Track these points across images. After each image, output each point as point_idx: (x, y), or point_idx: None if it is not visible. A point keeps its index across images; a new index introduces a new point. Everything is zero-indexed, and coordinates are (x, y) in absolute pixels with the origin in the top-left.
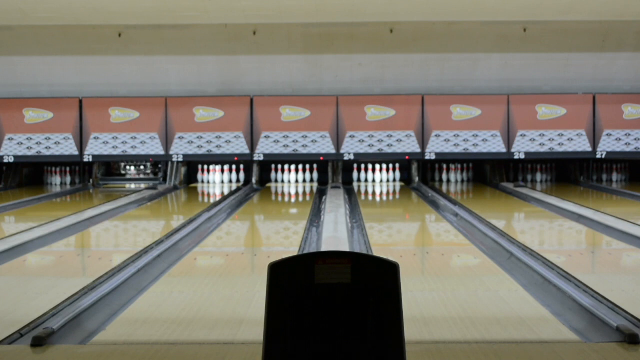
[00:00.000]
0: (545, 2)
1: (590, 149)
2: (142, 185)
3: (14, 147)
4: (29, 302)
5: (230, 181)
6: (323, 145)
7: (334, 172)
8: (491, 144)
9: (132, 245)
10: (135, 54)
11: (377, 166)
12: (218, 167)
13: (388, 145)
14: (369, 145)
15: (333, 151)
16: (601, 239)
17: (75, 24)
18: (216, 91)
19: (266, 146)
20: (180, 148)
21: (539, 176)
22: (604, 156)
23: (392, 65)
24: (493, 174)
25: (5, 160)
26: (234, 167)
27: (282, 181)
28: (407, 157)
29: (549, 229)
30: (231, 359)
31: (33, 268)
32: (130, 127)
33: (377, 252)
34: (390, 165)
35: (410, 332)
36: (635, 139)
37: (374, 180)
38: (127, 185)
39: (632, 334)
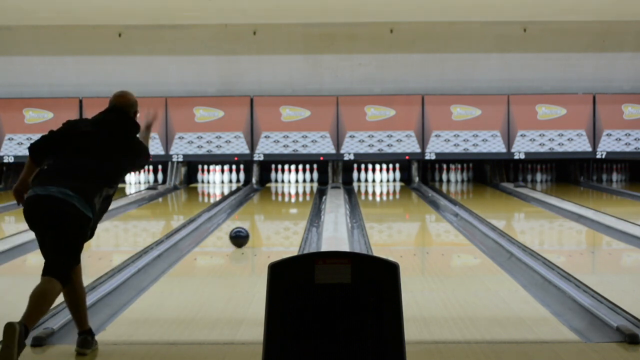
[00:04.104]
0: (545, 2)
1: (590, 149)
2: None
3: (14, 147)
4: None
5: (230, 181)
6: (323, 145)
7: (334, 172)
8: (491, 144)
9: (132, 245)
10: (135, 54)
11: (377, 166)
12: (218, 167)
13: (388, 145)
14: (369, 145)
15: (333, 151)
16: (601, 239)
17: (75, 24)
18: (216, 91)
19: (266, 146)
20: (180, 148)
21: (539, 176)
22: (604, 156)
23: (392, 65)
24: (493, 174)
25: (5, 160)
26: (234, 167)
27: (282, 181)
28: (407, 157)
29: (549, 229)
30: (231, 359)
31: (33, 268)
32: None
33: (377, 252)
34: (390, 165)
35: (410, 332)
36: (635, 139)
37: (374, 180)
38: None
39: (632, 334)
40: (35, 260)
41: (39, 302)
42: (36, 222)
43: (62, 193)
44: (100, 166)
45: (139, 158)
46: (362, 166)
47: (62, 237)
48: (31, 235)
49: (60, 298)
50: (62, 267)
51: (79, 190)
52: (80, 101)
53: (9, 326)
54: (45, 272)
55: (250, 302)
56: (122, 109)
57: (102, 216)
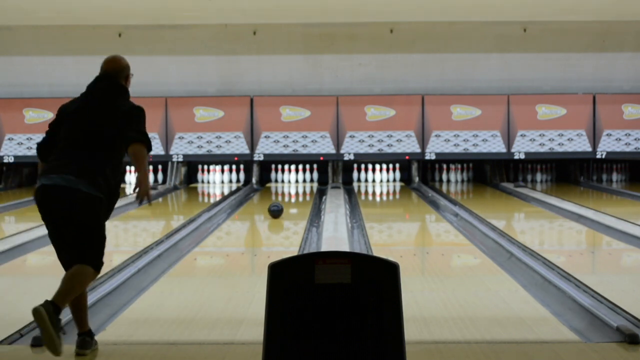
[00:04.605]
0: (545, 2)
1: (590, 149)
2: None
3: (14, 147)
4: (29, 302)
5: (230, 181)
6: (323, 145)
7: (334, 172)
8: (491, 144)
9: (132, 245)
10: (136, 54)
11: (377, 166)
12: (218, 167)
13: (388, 145)
14: (369, 145)
15: (333, 151)
16: (601, 239)
17: (75, 24)
18: (216, 91)
19: (266, 146)
20: (180, 148)
21: (539, 176)
22: (604, 156)
23: (392, 65)
24: (493, 174)
25: (5, 160)
26: (234, 167)
27: (282, 181)
28: (407, 157)
29: (549, 229)
30: (231, 359)
31: (33, 268)
32: None
33: (377, 252)
34: (390, 165)
35: (410, 332)
36: (635, 139)
37: (374, 180)
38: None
39: (632, 334)
40: (35, 260)
41: (69, 282)
42: (46, 213)
43: (65, 180)
44: (94, 139)
45: (134, 119)
46: (362, 166)
47: (78, 227)
48: (31, 235)
49: None
50: (91, 256)
51: (81, 172)
52: None
53: (35, 311)
54: (75, 261)
55: (250, 302)
56: (111, 75)
57: (119, 189)
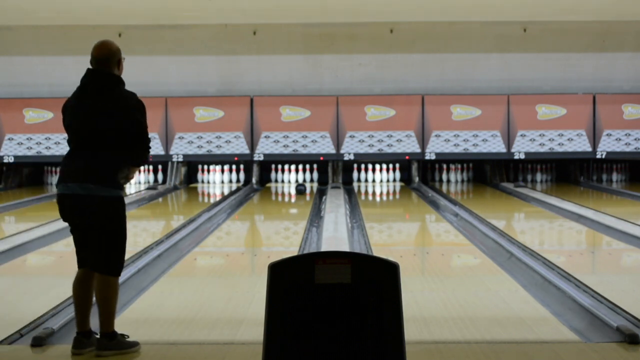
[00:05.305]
0: (545, 2)
1: (590, 149)
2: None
3: (14, 147)
4: (29, 302)
5: (230, 181)
6: (323, 145)
7: (334, 172)
8: (491, 144)
9: (132, 245)
10: (136, 54)
11: (377, 166)
12: (218, 167)
13: (388, 145)
14: (369, 145)
15: (333, 151)
16: (601, 239)
17: (75, 24)
18: (216, 91)
19: (266, 146)
20: (180, 148)
21: (539, 176)
22: (604, 156)
23: (392, 65)
24: (493, 174)
25: (5, 160)
26: (234, 167)
27: (282, 181)
28: (407, 157)
29: (549, 229)
30: (231, 359)
31: (33, 268)
32: None
33: (377, 252)
34: (390, 165)
35: (410, 332)
36: (635, 139)
37: (374, 180)
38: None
39: (632, 334)
40: (35, 260)
41: (104, 305)
42: (69, 221)
43: (83, 188)
44: (100, 140)
45: (130, 110)
46: (362, 166)
47: (102, 234)
48: (31, 235)
49: (61, 297)
50: (115, 260)
51: (97, 177)
52: None
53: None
54: (97, 269)
55: (250, 302)
56: (101, 63)
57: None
